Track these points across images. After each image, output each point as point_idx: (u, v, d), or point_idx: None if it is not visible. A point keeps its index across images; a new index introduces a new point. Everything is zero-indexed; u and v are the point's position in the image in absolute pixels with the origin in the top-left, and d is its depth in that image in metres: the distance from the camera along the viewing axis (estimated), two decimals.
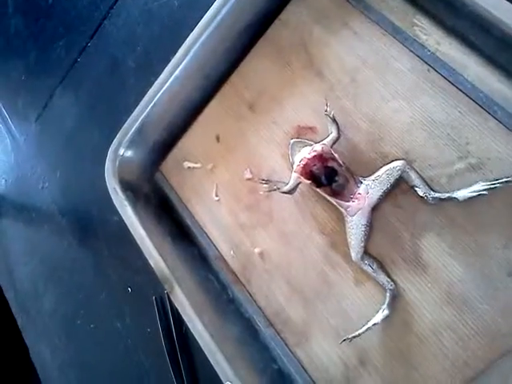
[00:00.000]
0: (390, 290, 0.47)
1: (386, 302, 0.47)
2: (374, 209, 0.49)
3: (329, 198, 0.49)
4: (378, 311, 0.48)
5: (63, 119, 0.87)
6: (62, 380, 0.80)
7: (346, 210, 0.49)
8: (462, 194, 0.44)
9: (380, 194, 0.48)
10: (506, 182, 0.43)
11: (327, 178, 0.48)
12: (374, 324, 0.47)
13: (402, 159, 0.48)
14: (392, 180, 0.47)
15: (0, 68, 1.02)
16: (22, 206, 0.93)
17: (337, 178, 0.48)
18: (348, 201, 0.49)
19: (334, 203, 0.49)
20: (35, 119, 0.91)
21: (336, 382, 0.50)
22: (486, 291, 0.43)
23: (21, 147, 0.94)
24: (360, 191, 0.48)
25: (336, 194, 0.49)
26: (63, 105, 0.88)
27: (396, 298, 0.47)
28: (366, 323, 0.48)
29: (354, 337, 0.48)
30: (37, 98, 0.92)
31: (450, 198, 0.45)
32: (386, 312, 0.47)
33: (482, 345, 0.43)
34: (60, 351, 0.81)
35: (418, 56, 0.49)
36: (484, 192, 0.43)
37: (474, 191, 0.44)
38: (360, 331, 0.48)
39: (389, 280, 0.47)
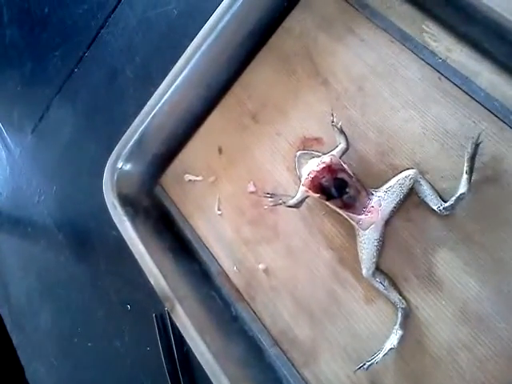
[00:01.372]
0: (402, 308, 0.45)
1: (398, 322, 0.45)
2: (387, 223, 0.47)
3: (340, 211, 0.47)
4: (390, 331, 0.46)
5: (60, 131, 0.85)
6: None
7: (357, 223, 0.47)
8: (462, 185, 0.43)
9: (393, 206, 0.46)
10: (476, 144, 0.42)
11: (337, 189, 0.46)
12: (391, 349, 0.45)
13: (414, 168, 0.47)
14: (405, 190, 0.45)
15: None
16: (17, 219, 0.90)
17: (347, 190, 0.46)
18: (360, 214, 0.47)
19: (346, 217, 0.47)
20: (31, 131, 0.89)
21: None
22: (504, 309, 0.41)
23: (16, 160, 0.92)
24: (373, 204, 0.46)
25: (347, 206, 0.47)
26: (60, 116, 0.86)
27: (409, 317, 0.45)
28: (382, 349, 0.45)
29: (371, 365, 0.45)
30: (33, 110, 0.90)
31: (458, 199, 0.43)
32: (400, 332, 0.45)
33: (500, 365, 0.41)
34: (56, 370, 0.78)
35: (429, 63, 0.48)
36: (471, 166, 0.43)
37: (467, 172, 0.43)
38: (377, 358, 0.45)
39: (401, 298, 0.45)
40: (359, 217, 0.47)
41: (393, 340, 0.45)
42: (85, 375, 0.75)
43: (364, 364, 0.46)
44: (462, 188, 0.43)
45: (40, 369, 0.81)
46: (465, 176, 0.43)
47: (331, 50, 0.53)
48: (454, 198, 0.43)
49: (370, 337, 0.47)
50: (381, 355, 0.45)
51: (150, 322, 0.66)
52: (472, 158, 0.42)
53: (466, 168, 0.43)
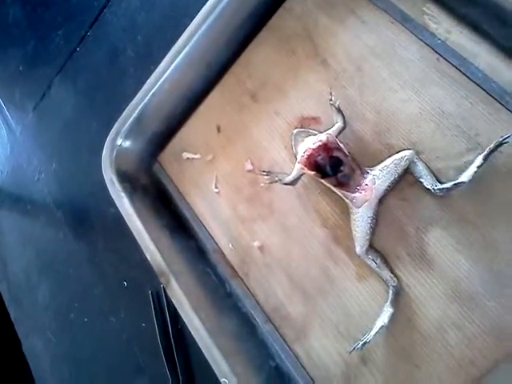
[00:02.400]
0: (393, 286, 0.45)
1: (389, 300, 0.46)
2: (380, 201, 0.47)
3: (334, 189, 0.48)
4: (381, 309, 0.46)
5: (61, 109, 0.85)
6: (54, 374, 0.79)
7: (351, 201, 0.47)
8: (466, 174, 0.43)
9: (387, 184, 0.46)
10: (499, 144, 0.42)
11: (332, 168, 0.46)
12: (382, 326, 0.45)
13: (411, 149, 0.47)
14: (400, 170, 0.46)
15: None
16: (17, 197, 0.91)
17: (342, 168, 0.47)
18: (354, 192, 0.47)
19: (340, 194, 0.48)
20: (32, 109, 0.90)
21: (336, 381, 0.49)
22: (494, 288, 0.42)
23: (17, 138, 0.92)
24: (367, 182, 0.47)
25: (341, 184, 0.47)
26: (61, 95, 0.86)
27: (400, 295, 0.46)
28: (373, 327, 0.46)
29: (364, 344, 0.46)
30: (34, 88, 0.91)
31: (456, 185, 0.43)
32: (391, 310, 0.45)
33: (488, 343, 0.41)
34: (53, 345, 0.79)
35: (428, 45, 0.48)
36: (483, 162, 0.42)
37: (476, 166, 0.42)
38: (368, 337, 0.46)
39: (392, 276, 0.46)
40: (353, 195, 0.47)
41: (383, 318, 0.45)
42: (81, 350, 0.76)
43: (357, 344, 0.46)
44: (465, 177, 0.43)
45: (37, 343, 0.81)
46: (473, 169, 0.42)
47: (332, 31, 0.54)
48: (451, 183, 0.43)
49: (362, 314, 0.48)
50: (372, 333, 0.45)
51: (146, 299, 0.67)
52: (489, 155, 0.42)
53: (478, 162, 0.42)
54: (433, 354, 0.44)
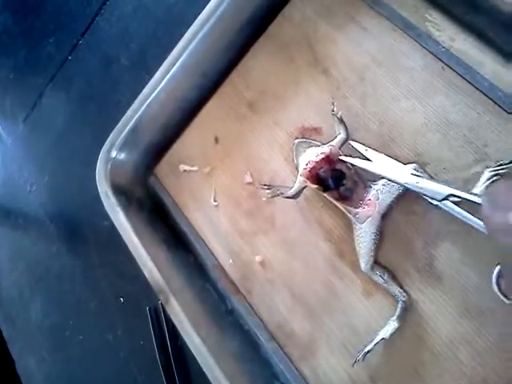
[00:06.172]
0: (403, 301, 0.44)
1: (396, 315, 0.44)
2: (385, 215, 0.46)
3: (336, 203, 0.47)
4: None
5: (53, 120, 0.84)
6: None
7: (354, 216, 0.46)
8: (476, 191, 0.41)
9: (391, 199, 0.45)
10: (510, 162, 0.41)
11: (334, 181, 0.45)
12: (383, 339, 0.44)
13: (414, 162, 0.45)
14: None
15: None
16: (8, 210, 0.89)
17: (345, 182, 0.45)
18: (357, 207, 0.46)
19: (342, 209, 0.47)
20: (23, 119, 0.88)
21: None
22: (505, 302, 0.40)
23: (8, 149, 0.91)
24: (370, 197, 0.46)
25: (344, 198, 0.46)
26: (53, 105, 0.85)
27: (409, 311, 0.44)
28: (375, 337, 0.45)
29: (365, 354, 0.45)
30: (25, 98, 0.89)
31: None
32: (396, 325, 0.44)
33: (500, 360, 0.40)
34: (47, 364, 0.78)
35: (432, 53, 0.47)
36: (495, 178, 0.41)
37: (486, 180, 0.41)
38: (368, 347, 0.45)
39: (401, 291, 0.44)
40: (356, 210, 0.46)
41: (386, 331, 0.44)
42: (76, 369, 0.74)
43: (358, 355, 0.45)
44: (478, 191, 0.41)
45: (31, 362, 0.80)
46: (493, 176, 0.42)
47: (332, 39, 0.52)
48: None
49: (369, 331, 0.47)
50: (372, 344, 0.45)
51: (144, 316, 0.65)
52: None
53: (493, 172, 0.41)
54: (444, 373, 0.42)
